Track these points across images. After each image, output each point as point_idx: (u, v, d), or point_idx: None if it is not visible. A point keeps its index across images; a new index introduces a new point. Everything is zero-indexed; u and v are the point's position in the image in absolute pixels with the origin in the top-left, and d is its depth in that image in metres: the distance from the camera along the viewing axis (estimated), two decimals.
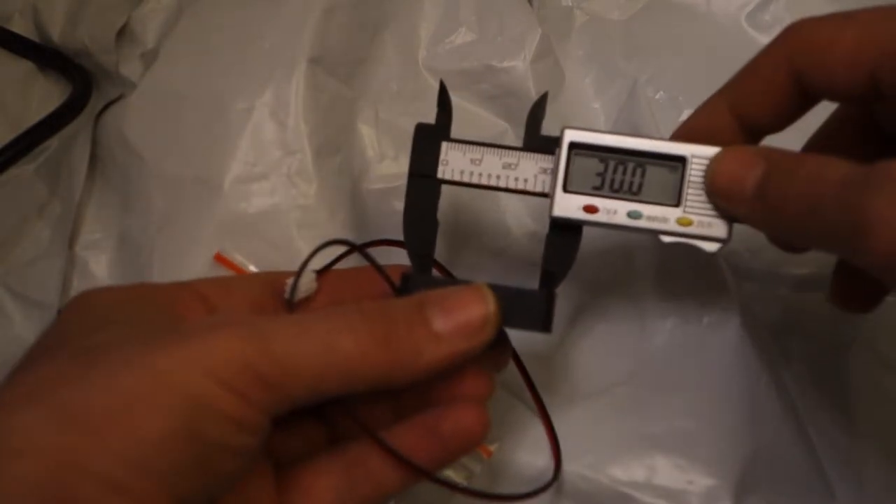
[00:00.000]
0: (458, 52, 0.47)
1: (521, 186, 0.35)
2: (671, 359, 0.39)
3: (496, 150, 0.35)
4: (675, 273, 0.41)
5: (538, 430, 0.38)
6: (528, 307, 0.34)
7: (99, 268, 0.46)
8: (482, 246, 0.43)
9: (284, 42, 0.45)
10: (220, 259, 0.42)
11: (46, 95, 0.52)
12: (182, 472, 0.26)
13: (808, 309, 0.44)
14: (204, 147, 0.44)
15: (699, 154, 0.33)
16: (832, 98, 0.33)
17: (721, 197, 0.33)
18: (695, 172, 0.33)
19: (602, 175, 0.34)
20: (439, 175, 0.35)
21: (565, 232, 0.35)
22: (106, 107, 0.49)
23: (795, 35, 0.33)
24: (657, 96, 0.48)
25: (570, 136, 0.34)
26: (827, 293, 0.36)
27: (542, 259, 0.34)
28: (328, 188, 0.44)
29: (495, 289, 0.33)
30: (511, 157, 0.35)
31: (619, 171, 0.34)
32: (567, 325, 0.41)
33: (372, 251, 0.35)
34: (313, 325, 0.29)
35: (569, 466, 0.36)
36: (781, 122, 0.34)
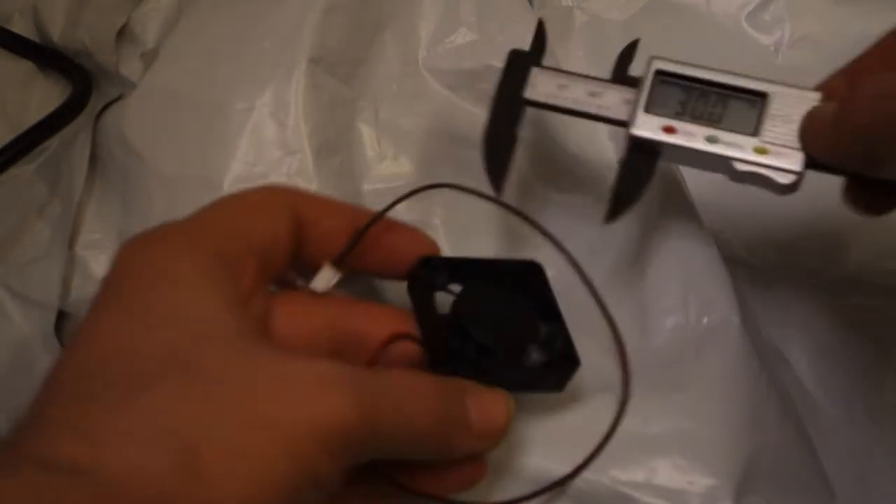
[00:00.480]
0: (458, 52, 0.47)
1: (603, 113, 0.36)
2: (671, 359, 0.39)
3: (584, 79, 0.37)
4: (676, 274, 0.41)
5: (537, 431, 0.38)
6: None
7: (99, 268, 0.46)
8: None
9: (284, 42, 0.45)
10: None
11: (46, 95, 0.52)
12: None
13: (809, 309, 0.44)
14: (204, 147, 0.44)
15: (783, 91, 0.34)
16: None
17: (804, 139, 0.34)
18: (776, 107, 0.34)
19: (684, 103, 0.35)
20: (526, 96, 0.37)
21: (641, 156, 0.36)
22: (106, 107, 0.49)
23: None
24: None
25: (658, 64, 0.36)
26: (841, 195, 0.36)
27: (615, 182, 0.35)
28: (328, 188, 0.44)
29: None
30: (597, 87, 0.37)
31: (700, 101, 0.35)
32: (569, 320, 0.41)
33: (363, 294, 0.36)
34: (405, 396, 0.30)
35: (567, 467, 0.36)
36: None
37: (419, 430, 0.30)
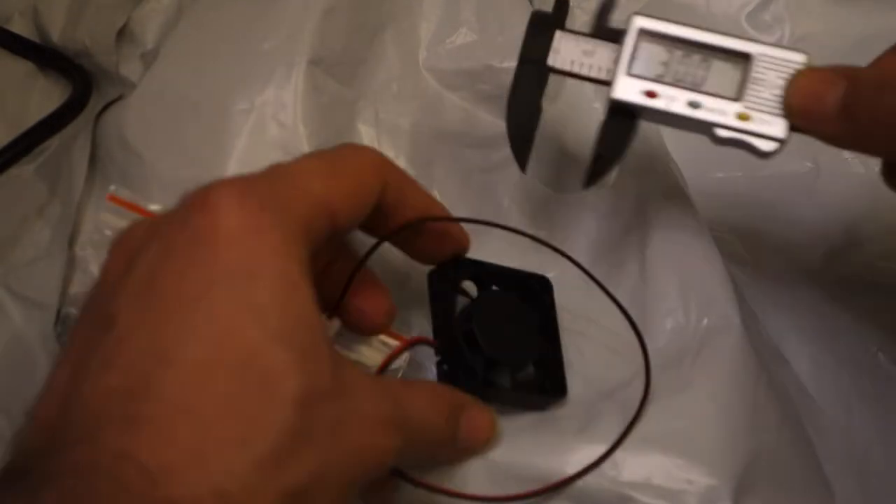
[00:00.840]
0: (458, 52, 0.47)
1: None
2: (671, 360, 0.39)
3: (610, 44, 0.35)
4: (676, 274, 0.41)
5: (534, 431, 0.38)
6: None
7: (99, 268, 0.46)
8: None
9: (284, 43, 0.45)
10: (113, 199, 0.42)
11: (46, 95, 0.52)
12: None
13: (808, 309, 0.44)
14: (204, 147, 0.44)
15: (767, 53, 0.34)
16: None
17: (800, 116, 0.33)
18: (759, 70, 0.33)
19: (667, 63, 0.34)
20: (549, 63, 0.36)
21: (621, 118, 0.35)
22: (106, 107, 0.49)
23: None
24: None
25: (640, 22, 0.35)
26: (880, 174, 0.36)
27: (595, 143, 0.35)
28: None
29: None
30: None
31: (683, 62, 0.34)
32: (569, 324, 0.41)
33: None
34: (427, 421, 0.32)
35: (568, 468, 0.36)
36: None
37: (425, 444, 0.32)
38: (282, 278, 0.27)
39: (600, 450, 0.36)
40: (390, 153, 0.46)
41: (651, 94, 0.34)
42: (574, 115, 0.46)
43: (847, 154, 0.46)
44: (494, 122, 0.46)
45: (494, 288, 0.39)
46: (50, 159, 0.49)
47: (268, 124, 0.44)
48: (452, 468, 0.37)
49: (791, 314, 0.44)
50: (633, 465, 0.36)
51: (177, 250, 0.27)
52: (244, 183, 0.28)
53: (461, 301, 0.38)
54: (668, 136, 0.44)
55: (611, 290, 0.40)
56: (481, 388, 0.37)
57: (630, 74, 0.35)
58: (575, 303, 0.42)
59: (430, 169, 0.46)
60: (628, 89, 0.35)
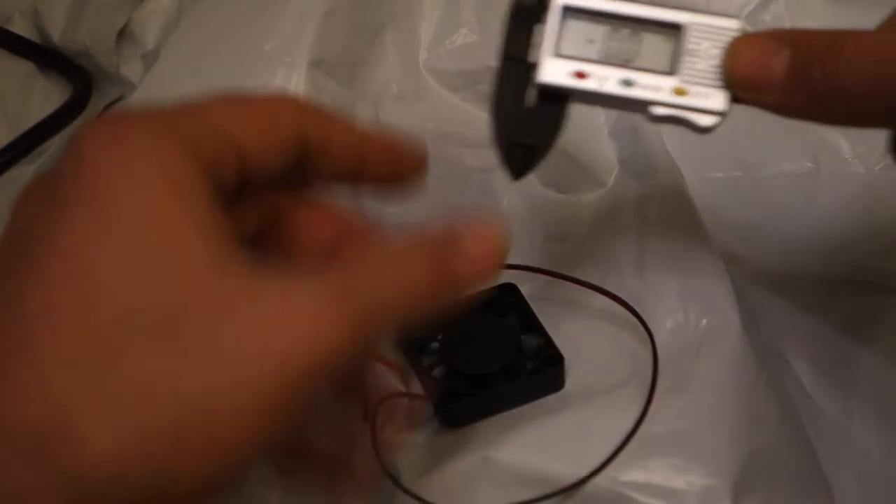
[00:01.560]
0: (458, 52, 0.47)
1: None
2: (670, 360, 0.39)
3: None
4: (675, 275, 0.41)
5: (535, 431, 0.38)
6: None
7: None
8: None
9: (285, 44, 0.45)
10: None
11: (46, 96, 0.52)
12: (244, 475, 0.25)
13: (808, 309, 0.44)
14: None
15: (699, 21, 0.32)
16: None
17: (744, 87, 0.31)
18: (693, 40, 0.32)
19: (594, 41, 0.32)
20: (531, 60, 0.33)
21: (552, 103, 0.33)
22: (106, 108, 0.49)
23: None
24: None
25: None
26: (887, 145, 0.34)
27: (523, 132, 0.32)
28: None
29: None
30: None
31: (613, 38, 0.32)
32: (567, 328, 0.41)
33: None
34: (401, 290, 0.27)
35: (568, 467, 0.36)
36: None
37: (427, 301, 0.27)
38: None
39: (602, 449, 0.36)
40: None
41: (581, 75, 0.32)
42: (573, 113, 0.46)
43: (847, 154, 0.46)
44: None
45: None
46: (50, 160, 0.49)
47: None
48: (453, 468, 0.37)
49: (791, 314, 0.44)
50: (632, 465, 0.36)
51: (44, 214, 0.25)
52: (122, 117, 0.26)
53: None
54: (669, 135, 0.44)
55: (610, 290, 0.40)
56: (482, 401, 0.39)
57: (557, 55, 0.32)
58: (575, 302, 0.42)
59: (431, 169, 0.46)
60: (556, 72, 0.32)
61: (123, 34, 0.50)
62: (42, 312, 0.23)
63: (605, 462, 0.36)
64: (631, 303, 0.40)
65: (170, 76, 0.47)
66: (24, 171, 0.48)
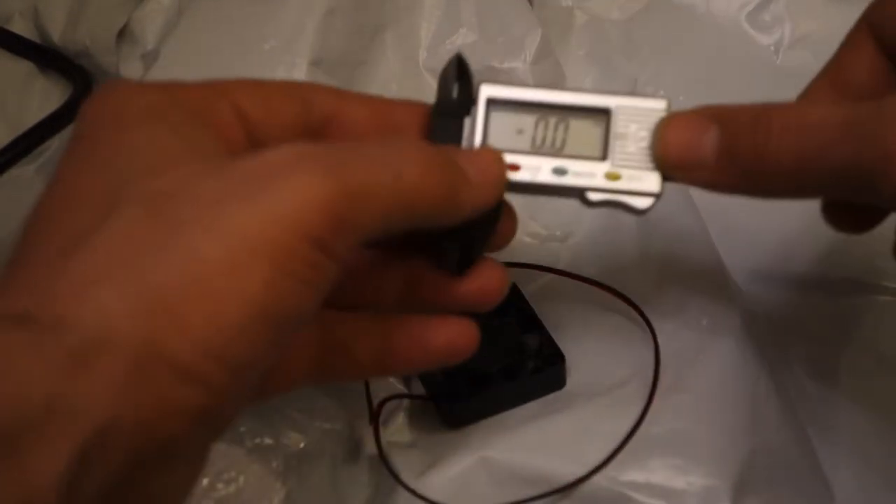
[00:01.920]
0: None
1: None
2: (670, 360, 0.39)
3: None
4: (675, 275, 0.41)
5: (535, 431, 0.38)
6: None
7: None
8: None
9: (285, 44, 0.45)
10: None
11: (46, 96, 0.52)
12: (255, 360, 0.24)
13: (808, 309, 0.44)
14: None
15: (626, 105, 0.32)
16: None
17: (675, 168, 0.31)
18: (621, 124, 0.31)
19: (523, 132, 0.31)
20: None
21: None
22: None
23: None
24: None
25: (487, 91, 0.32)
26: (822, 213, 0.35)
27: (461, 229, 0.30)
28: None
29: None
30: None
31: (540, 127, 0.32)
32: (567, 327, 0.41)
33: None
34: (384, 156, 0.27)
35: (567, 467, 0.36)
36: None
37: (419, 189, 0.27)
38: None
39: (602, 449, 0.37)
40: None
41: (513, 167, 0.31)
42: None
43: None
44: None
45: None
46: (50, 159, 0.49)
47: None
48: (453, 468, 0.37)
49: (791, 314, 0.44)
50: (632, 465, 0.36)
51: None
52: (122, 80, 0.29)
53: None
54: None
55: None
56: (484, 400, 0.39)
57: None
58: (576, 302, 0.42)
59: None
60: None
61: (123, 34, 0.50)
62: (36, 223, 0.25)
63: (605, 461, 0.36)
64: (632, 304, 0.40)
65: (170, 76, 0.46)
66: (25, 171, 0.48)
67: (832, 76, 0.34)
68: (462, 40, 0.48)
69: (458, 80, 0.32)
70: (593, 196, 0.31)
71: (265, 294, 0.23)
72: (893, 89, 0.33)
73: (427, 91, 0.47)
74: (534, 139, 0.32)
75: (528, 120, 0.32)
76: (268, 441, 0.36)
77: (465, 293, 0.32)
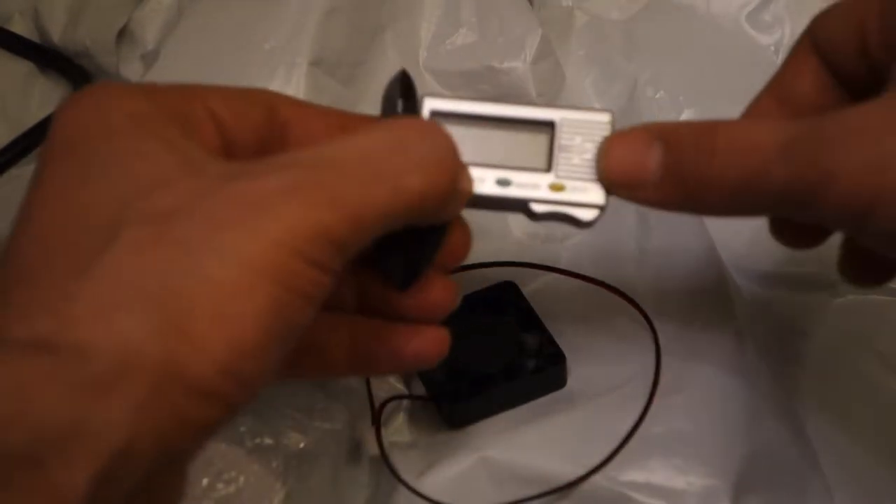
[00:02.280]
0: (458, 53, 0.47)
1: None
2: (670, 360, 0.39)
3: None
4: (675, 275, 0.41)
5: (535, 431, 0.38)
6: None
7: None
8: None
9: (285, 44, 0.45)
10: None
11: (46, 96, 0.52)
12: (265, 373, 0.25)
13: (807, 309, 0.44)
14: None
15: (570, 118, 0.31)
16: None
17: (621, 188, 0.31)
18: (565, 136, 0.31)
19: (467, 143, 0.30)
20: None
21: None
22: None
23: None
24: (657, 96, 0.48)
25: (431, 104, 0.32)
26: (769, 230, 0.35)
27: (404, 244, 0.30)
28: None
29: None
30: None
31: (485, 139, 0.32)
32: (567, 327, 0.41)
33: None
34: (380, 166, 0.27)
35: (567, 467, 0.36)
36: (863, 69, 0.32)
37: (421, 197, 0.27)
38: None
39: (602, 449, 0.37)
40: None
41: None
42: None
43: None
44: None
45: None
46: None
47: None
48: (453, 467, 0.37)
49: (791, 314, 0.44)
50: (632, 465, 0.36)
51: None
52: (100, 84, 0.29)
53: None
54: None
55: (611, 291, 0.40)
56: (486, 400, 0.39)
57: None
58: (576, 301, 0.42)
59: None
60: None
61: (123, 34, 0.50)
62: (31, 237, 0.25)
63: (605, 461, 0.36)
64: (632, 305, 0.40)
65: (170, 76, 0.47)
66: (25, 171, 0.48)
67: (776, 90, 0.34)
68: (462, 40, 0.48)
69: (403, 95, 0.31)
70: (538, 207, 0.31)
71: (274, 312, 0.24)
72: (836, 104, 0.33)
73: (427, 91, 0.47)
74: (478, 151, 0.31)
75: (472, 132, 0.32)
76: (268, 441, 0.36)
77: (410, 307, 0.31)
